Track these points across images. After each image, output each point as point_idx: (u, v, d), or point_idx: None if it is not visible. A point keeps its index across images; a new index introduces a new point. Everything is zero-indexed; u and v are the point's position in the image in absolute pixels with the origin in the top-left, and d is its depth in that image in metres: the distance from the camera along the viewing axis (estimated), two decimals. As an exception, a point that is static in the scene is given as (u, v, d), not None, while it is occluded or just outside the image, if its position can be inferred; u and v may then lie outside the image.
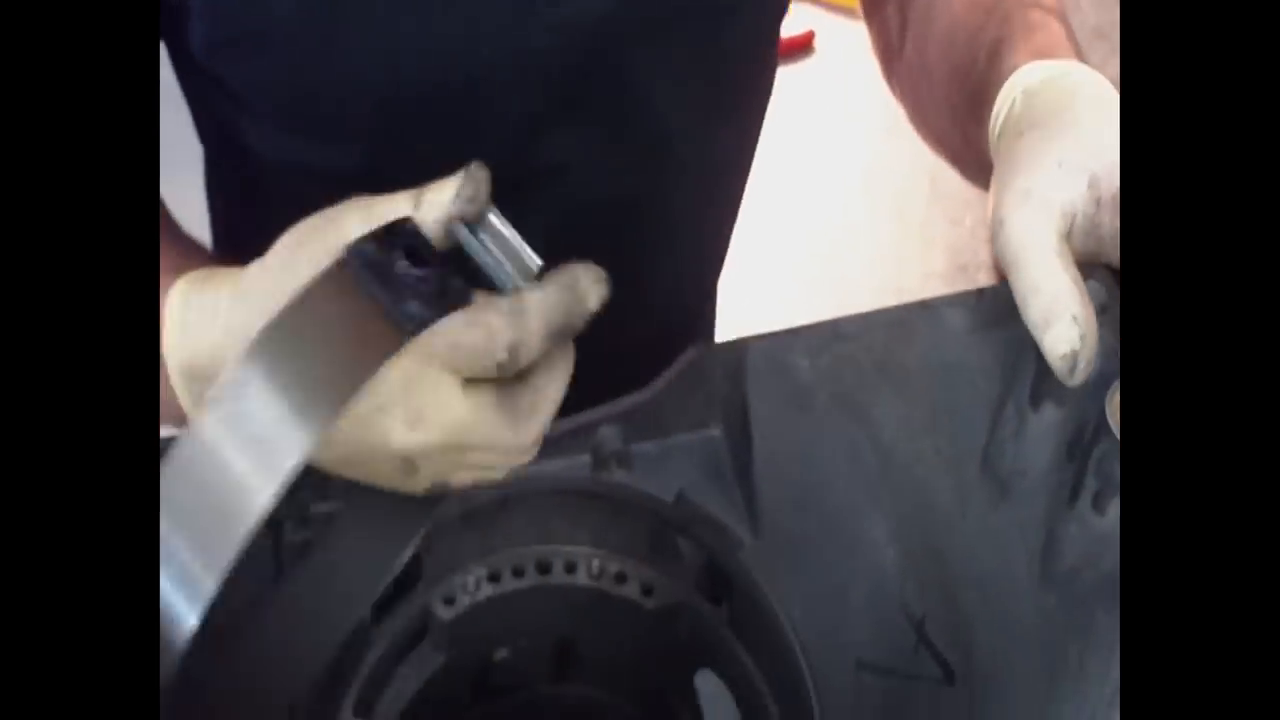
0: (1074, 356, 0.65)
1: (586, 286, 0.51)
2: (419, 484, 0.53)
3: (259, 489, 0.41)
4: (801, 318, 0.77)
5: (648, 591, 0.75)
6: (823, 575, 0.69)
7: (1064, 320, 0.65)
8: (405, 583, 0.71)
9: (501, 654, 0.77)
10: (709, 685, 0.78)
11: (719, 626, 0.73)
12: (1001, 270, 0.70)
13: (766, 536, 0.70)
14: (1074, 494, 0.67)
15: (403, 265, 0.46)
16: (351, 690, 0.69)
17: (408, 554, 0.60)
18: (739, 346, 0.76)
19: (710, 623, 0.73)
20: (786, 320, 0.76)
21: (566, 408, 0.56)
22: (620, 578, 0.75)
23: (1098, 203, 0.68)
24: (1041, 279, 0.66)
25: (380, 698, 0.71)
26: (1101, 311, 0.68)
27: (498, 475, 0.55)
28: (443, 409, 0.49)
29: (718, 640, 0.73)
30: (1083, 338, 0.65)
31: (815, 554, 0.69)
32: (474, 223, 0.49)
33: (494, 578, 0.73)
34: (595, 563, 0.76)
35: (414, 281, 0.46)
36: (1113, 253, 0.71)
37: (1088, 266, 0.69)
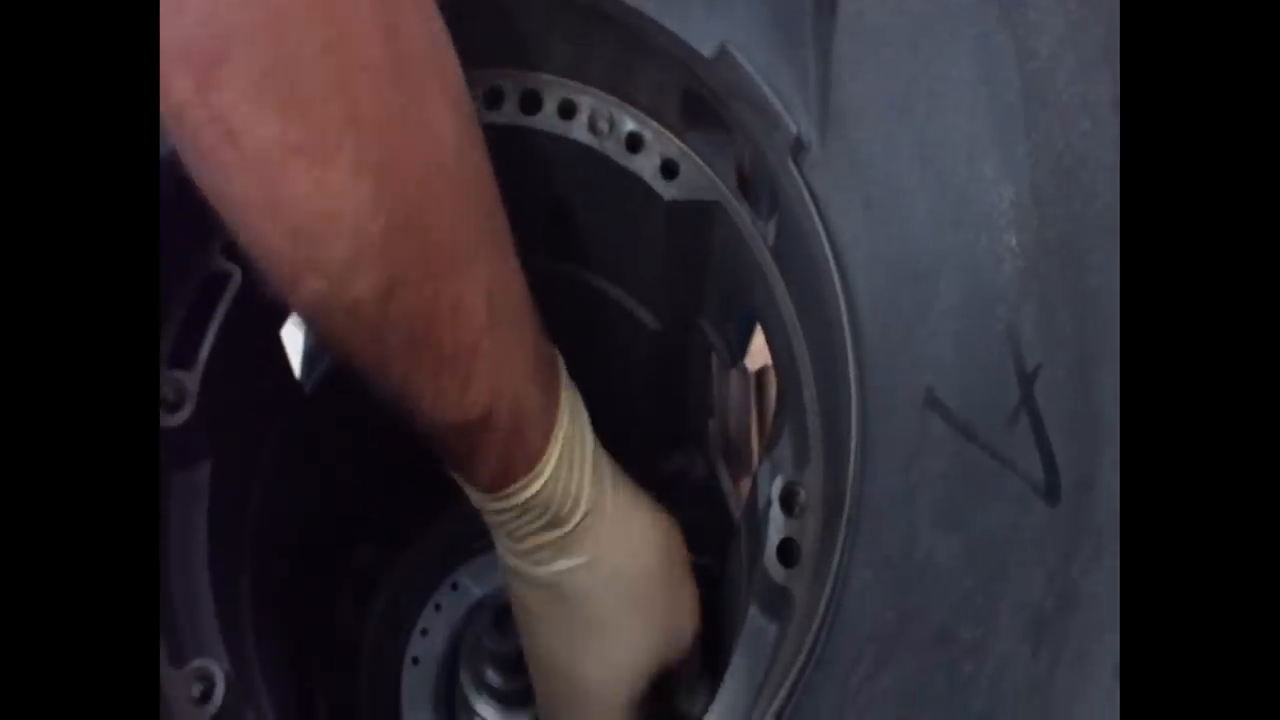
0: None
1: None
2: None
3: None
4: None
5: (670, 172, 0.49)
6: (908, 236, 0.41)
7: None
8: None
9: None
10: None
11: (761, 249, 0.47)
12: None
13: (838, 148, 0.43)
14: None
15: None
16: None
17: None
18: None
19: (750, 246, 0.48)
20: None
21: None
22: (635, 142, 0.49)
23: None
24: None
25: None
26: None
27: None
28: None
29: (756, 272, 0.48)
30: None
31: (904, 199, 0.41)
32: None
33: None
34: (603, 112, 0.49)
35: None
36: None
37: None
